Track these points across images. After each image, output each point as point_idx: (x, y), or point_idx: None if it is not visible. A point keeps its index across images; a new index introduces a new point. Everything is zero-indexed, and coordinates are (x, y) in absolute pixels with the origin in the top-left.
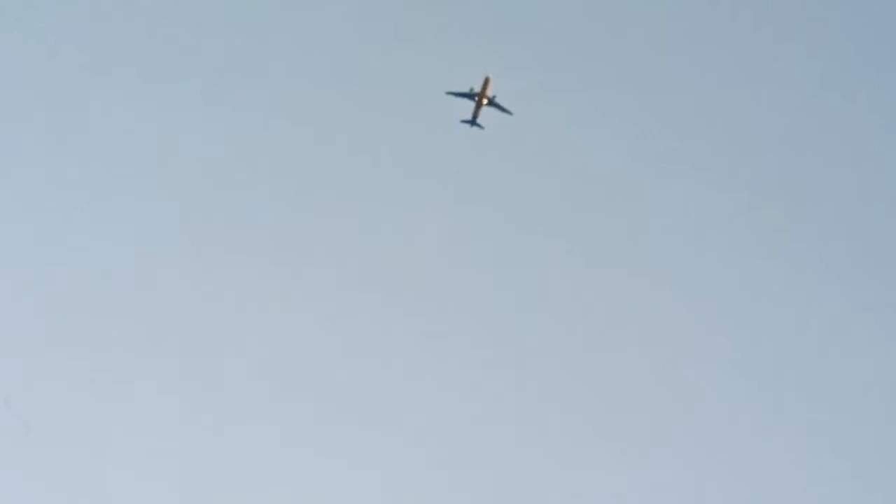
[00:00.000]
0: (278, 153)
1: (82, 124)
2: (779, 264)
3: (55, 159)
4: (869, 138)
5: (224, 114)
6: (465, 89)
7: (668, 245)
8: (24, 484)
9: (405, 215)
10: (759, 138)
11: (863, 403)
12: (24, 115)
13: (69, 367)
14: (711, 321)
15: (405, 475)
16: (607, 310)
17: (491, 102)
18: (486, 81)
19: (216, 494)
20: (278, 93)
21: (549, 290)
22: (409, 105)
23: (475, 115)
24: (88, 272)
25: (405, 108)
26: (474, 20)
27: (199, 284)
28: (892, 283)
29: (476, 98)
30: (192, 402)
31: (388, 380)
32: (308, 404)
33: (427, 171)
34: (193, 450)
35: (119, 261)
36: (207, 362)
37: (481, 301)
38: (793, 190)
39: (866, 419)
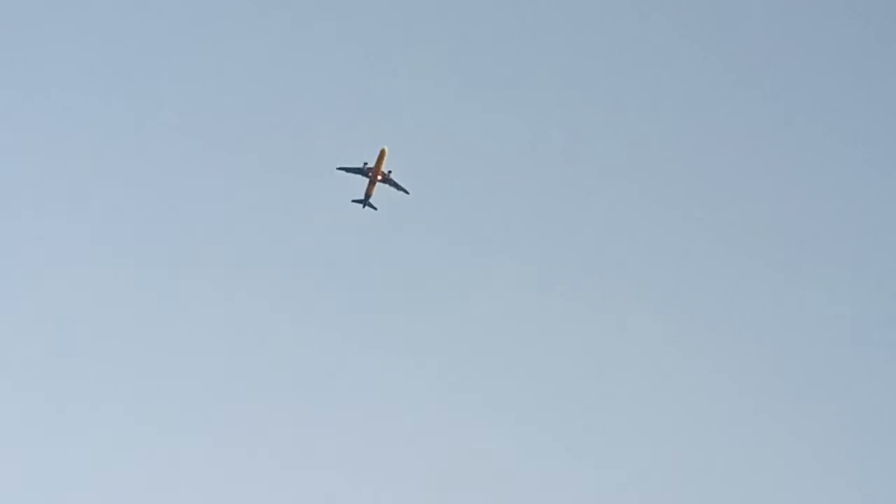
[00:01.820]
0: None
1: None
2: None
3: None
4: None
5: None
6: (358, 164)
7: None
8: None
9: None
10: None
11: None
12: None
13: None
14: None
15: None
16: None
17: (386, 179)
18: (382, 155)
19: None
20: None
21: None
22: (296, 181)
23: (368, 194)
24: None
25: (291, 184)
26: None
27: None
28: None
29: (369, 174)
30: None
31: None
32: None
33: (314, 259)
34: None
35: None
36: None
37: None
38: None
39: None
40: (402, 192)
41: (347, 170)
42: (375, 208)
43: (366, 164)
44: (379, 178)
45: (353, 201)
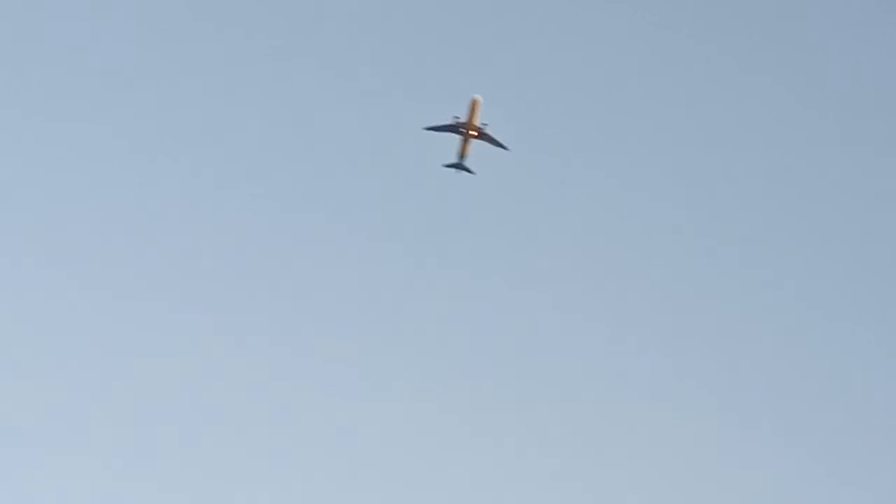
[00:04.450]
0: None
1: None
2: None
3: None
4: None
5: None
6: (448, 120)
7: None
8: None
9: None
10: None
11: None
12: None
13: None
14: None
15: None
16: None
17: (482, 135)
18: (474, 105)
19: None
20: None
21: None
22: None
23: (462, 155)
24: None
25: (373, 151)
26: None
27: None
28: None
29: (462, 131)
30: None
31: None
32: None
33: (402, 234)
34: None
35: None
36: None
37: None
38: None
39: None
40: (500, 149)
41: (437, 129)
42: (472, 172)
43: (457, 118)
44: (473, 133)
45: (445, 166)
